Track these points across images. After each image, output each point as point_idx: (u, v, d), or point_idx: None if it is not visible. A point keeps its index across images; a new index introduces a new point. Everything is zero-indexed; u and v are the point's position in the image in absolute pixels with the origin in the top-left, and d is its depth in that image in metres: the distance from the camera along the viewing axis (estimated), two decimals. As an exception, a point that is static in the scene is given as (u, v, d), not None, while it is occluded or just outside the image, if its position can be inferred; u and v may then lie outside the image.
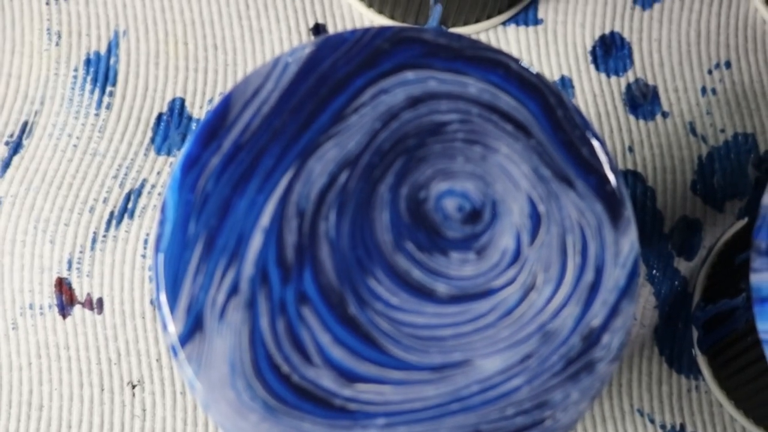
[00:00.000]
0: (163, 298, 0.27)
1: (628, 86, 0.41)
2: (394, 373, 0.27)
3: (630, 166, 0.41)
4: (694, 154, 0.41)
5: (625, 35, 0.42)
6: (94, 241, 0.39)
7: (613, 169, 0.28)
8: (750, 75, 0.42)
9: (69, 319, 0.39)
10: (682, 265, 0.40)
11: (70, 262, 0.39)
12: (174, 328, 0.27)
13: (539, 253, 0.27)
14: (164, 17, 0.42)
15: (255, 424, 0.26)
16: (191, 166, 0.28)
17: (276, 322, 0.27)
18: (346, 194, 0.27)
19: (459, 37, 0.29)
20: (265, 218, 0.27)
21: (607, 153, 0.28)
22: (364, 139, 0.28)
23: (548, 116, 0.28)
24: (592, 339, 0.27)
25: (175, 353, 0.27)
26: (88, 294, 0.39)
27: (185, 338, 0.27)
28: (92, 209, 0.40)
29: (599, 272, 0.27)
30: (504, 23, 0.42)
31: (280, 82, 0.28)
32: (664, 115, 0.41)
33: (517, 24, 0.42)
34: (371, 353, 0.27)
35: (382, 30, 0.28)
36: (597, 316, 0.27)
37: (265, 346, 0.27)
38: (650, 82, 0.42)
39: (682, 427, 0.39)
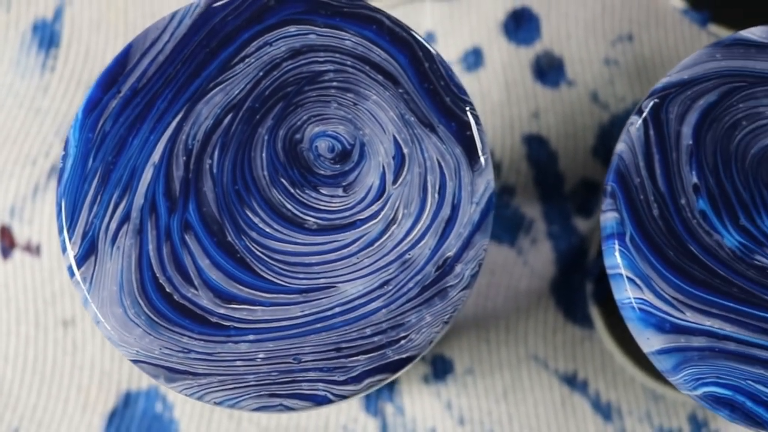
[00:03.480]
0: (63, 224, 0.30)
1: (536, 56, 0.44)
2: (265, 295, 0.29)
3: (535, 131, 0.43)
4: (596, 120, 0.43)
5: (535, 9, 0.44)
6: (35, 191, 0.42)
7: (474, 116, 0.31)
8: (650, 47, 0.44)
9: (9, 261, 0.42)
10: (581, 223, 0.42)
11: (12, 210, 0.42)
12: (71, 251, 0.30)
13: (402, 191, 0.30)
14: (111, -11, 0.45)
15: (139, 338, 0.29)
16: (92, 109, 0.31)
17: (162, 247, 0.30)
18: (230, 135, 0.30)
19: (340, -4, 0.31)
20: (156, 155, 0.30)
21: (469, 102, 0.31)
22: (247, 86, 0.31)
23: (416, 68, 0.31)
24: (446, 268, 0.30)
25: (72, 273, 0.30)
26: (28, 239, 0.42)
27: (80, 260, 0.30)
28: (34, 162, 0.43)
29: (455, 208, 0.30)
30: (427, -2, 0.44)
31: (174, 34, 0.31)
32: (569, 83, 0.44)
33: (440, -1, 0.45)
34: (245, 276, 0.30)
35: (270, -12, 0.31)
36: (451, 247, 0.30)
37: (151, 269, 0.30)
38: (557, 52, 0.44)
39: (575, 373, 0.41)
